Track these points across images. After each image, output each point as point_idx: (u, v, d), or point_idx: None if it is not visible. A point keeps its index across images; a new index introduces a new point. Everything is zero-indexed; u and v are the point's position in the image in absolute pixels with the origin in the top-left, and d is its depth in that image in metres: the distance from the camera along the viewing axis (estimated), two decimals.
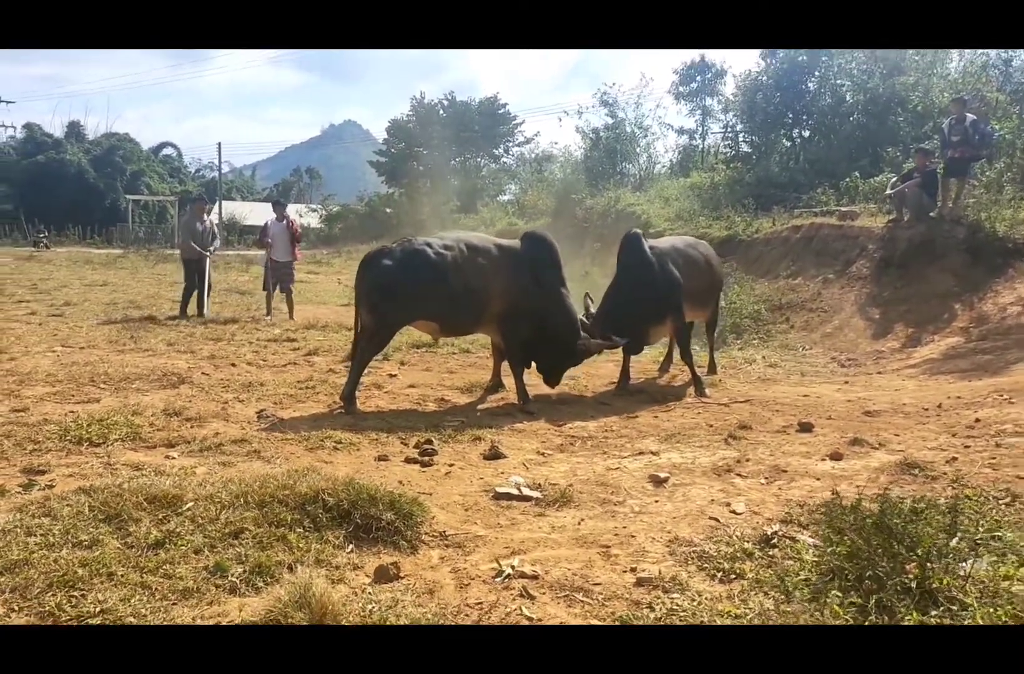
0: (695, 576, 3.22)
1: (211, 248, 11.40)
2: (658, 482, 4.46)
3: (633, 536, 3.64)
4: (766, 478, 4.53)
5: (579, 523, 3.81)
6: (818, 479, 4.48)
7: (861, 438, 5.23)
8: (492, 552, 3.43)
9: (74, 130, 59.25)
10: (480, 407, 6.35)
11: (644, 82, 24.24)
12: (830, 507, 3.37)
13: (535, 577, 3.17)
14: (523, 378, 6.62)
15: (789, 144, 18.62)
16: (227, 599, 2.83)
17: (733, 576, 3.20)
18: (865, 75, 17.35)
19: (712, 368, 8.15)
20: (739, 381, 7.87)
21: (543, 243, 6.94)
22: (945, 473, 4.43)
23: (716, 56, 24.71)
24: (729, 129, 21.97)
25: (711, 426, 5.80)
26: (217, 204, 54.11)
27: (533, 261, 6.73)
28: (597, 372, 7.89)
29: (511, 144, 48.36)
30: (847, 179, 14.30)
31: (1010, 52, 18.29)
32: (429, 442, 5.00)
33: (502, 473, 4.60)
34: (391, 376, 7.27)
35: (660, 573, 3.19)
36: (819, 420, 5.97)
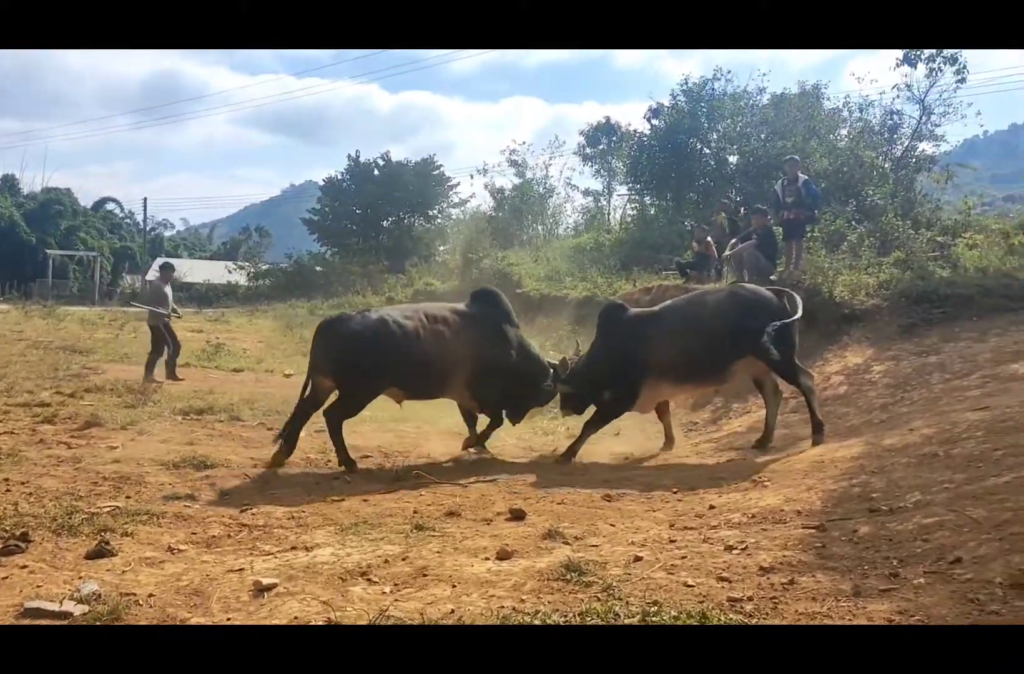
0: None
1: None
2: (260, 591, 3.68)
3: None
4: (396, 585, 3.77)
5: None
6: (455, 586, 3.73)
7: (559, 531, 4.52)
8: None
9: (7, 184, 58.31)
10: (171, 485, 5.50)
11: (556, 144, 24.45)
12: None
13: None
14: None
15: (673, 205, 18.46)
16: None
17: None
18: (746, 139, 17.33)
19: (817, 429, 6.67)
20: (521, 456, 7.15)
21: (494, 297, 7.26)
22: (604, 578, 3.71)
23: (621, 117, 24.85)
24: (633, 191, 21.90)
25: (416, 513, 5.05)
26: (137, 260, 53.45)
27: (490, 317, 7.03)
28: None
29: (445, 205, 48.18)
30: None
31: (895, 119, 18.53)
32: (23, 536, 4.16)
33: (81, 577, 3.78)
34: (110, 448, 6.42)
35: None
36: (546, 505, 5.27)
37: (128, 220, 65.12)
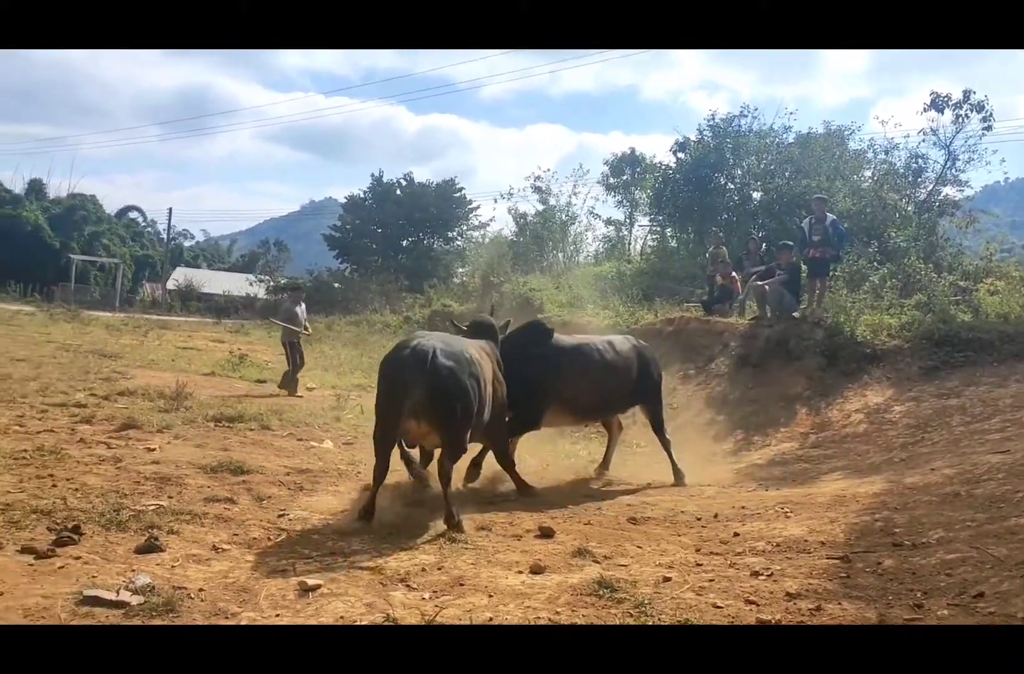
0: None
1: None
2: (305, 591, 3.84)
3: None
4: (434, 592, 3.91)
5: None
6: (491, 596, 3.86)
7: (588, 549, 4.66)
8: None
9: (35, 188, 59.03)
10: (209, 487, 5.66)
11: (580, 172, 24.92)
12: None
13: None
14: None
15: (695, 239, 18.72)
16: None
17: None
18: (770, 176, 17.59)
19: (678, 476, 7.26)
20: (549, 477, 7.27)
21: (489, 326, 6.46)
22: (636, 596, 3.84)
23: (646, 149, 25.32)
24: (655, 223, 22.22)
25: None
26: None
27: (495, 349, 6.27)
28: None
29: (465, 228, 48.61)
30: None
31: (920, 162, 18.72)
32: (75, 529, 4.32)
33: (134, 570, 3.94)
34: (148, 450, 6.59)
35: None
36: (573, 525, 5.40)
37: (150, 229, 65.92)
